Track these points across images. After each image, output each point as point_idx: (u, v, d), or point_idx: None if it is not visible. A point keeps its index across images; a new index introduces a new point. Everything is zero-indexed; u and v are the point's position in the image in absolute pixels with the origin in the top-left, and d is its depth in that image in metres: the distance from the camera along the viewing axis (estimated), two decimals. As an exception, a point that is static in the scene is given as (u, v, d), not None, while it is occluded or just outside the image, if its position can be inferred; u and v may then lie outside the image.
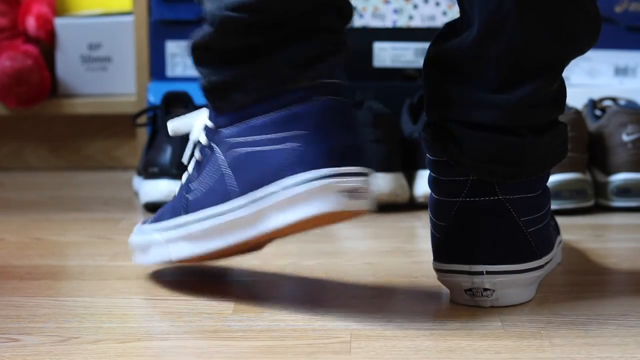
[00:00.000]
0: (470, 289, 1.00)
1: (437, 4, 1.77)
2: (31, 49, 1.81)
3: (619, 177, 1.49)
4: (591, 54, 1.75)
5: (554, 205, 1.45)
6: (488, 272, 0.99)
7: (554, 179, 1.46)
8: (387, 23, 1.77)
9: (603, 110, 1.56)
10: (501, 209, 0.99)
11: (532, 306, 1.01)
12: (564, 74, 1.03)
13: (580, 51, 1.04)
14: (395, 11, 1.77)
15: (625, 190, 1.48)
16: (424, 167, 1.49)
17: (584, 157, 1.48)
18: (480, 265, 0.99)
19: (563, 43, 1.00)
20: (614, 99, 1.58)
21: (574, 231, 1.35)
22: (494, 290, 0.99)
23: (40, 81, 1.80)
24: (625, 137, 1.50)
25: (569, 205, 1.46)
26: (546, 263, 1.04)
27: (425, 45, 1.77)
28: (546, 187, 1.04)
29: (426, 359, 0.88)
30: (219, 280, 1.11)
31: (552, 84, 1.01)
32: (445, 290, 1.04)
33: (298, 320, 0.98)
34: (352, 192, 0.96)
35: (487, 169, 0.99)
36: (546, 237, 1.04)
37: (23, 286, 1.10)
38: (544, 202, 1.03)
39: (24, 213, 1.50)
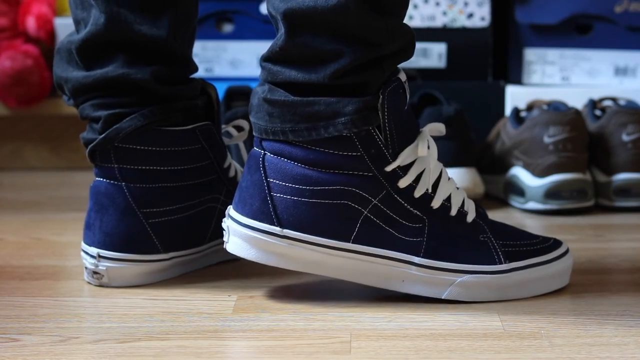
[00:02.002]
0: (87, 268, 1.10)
1: (437, 4, 1.77)
2: (31, 49, 1.81)
3: (620, 177, 1.49)
4: (591, 54, 1.75)
5: (554, 206, 1.45)
6: (101, 256, 1.08)
7: (554, 179, 1.46)
8: (387, 23, 1.77)
9: (603, 110, 1.56)
10: (121, 197, 1.07)
11: (532, 306, 1.01)
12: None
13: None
14: (395, 11, 1.77)
15: (625, 190, 1.48)
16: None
17: (584, 157, 1.48)
18: (94, 248, 1.09)
19: None
20: (614, 99, 1.58)
21: (574, 231, 1.35)
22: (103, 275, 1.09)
23: (40, 81, 1.80)
24: (625, 137, 1.50)
25: (569, 205, 1.46)
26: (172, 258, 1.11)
27: (425, 45, 1.78)
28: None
29: (426, 359, 0.88)
30: (219, 280, 1.11)
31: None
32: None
33: (298, 320, 0.98)
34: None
35: None
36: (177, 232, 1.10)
37: (23, 286, 1.10)
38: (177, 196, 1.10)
39: (23, 213, 1.50)
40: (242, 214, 1.02)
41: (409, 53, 1.02)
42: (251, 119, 1.03)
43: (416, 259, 1.01)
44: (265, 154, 1.01)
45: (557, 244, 1.07)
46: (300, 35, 0.98)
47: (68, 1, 1.11)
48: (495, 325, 0.96)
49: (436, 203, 1.02)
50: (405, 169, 1.01)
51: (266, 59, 1.01)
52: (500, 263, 1.03)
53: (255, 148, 1.03)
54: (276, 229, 1.01)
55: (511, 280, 1.03)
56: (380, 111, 0.99)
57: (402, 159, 1.01)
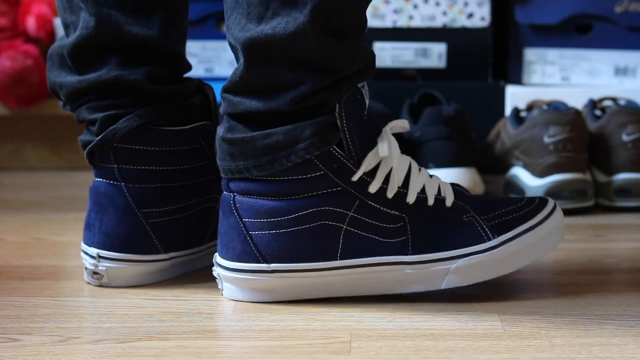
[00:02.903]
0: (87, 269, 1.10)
1: (437, 4, 1.77)
2: (31, 49, 1.81)
3: (620, 177, 1.49)
4: (591, 54, 1.75)
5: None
6: (100, 256, 1.08)
7: (554, 179, 1.46)
8: (387, 23, 1.77)
9: (603, 110, 1.56)
10: (120, 197, 1.07)
11: (532, 306, 1.01)
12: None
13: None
14: (395, 11, 1.77)
15: (625, 190, 1.48)
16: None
17: (584, 157, 1.48)
18: (94, 249, 1.09)
19: None
20: (614, 99, 1.58)
21: (574, 231, 1.35)
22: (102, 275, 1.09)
23: (40, 81, 1.80)
24: (625, 137, 1.50)
25: (569, 205, 1.46)
26: (172, 258, 1.10)
27: (425, 45, 1.78)
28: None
29: (426, 359, 0.88)
30: (219, 280, 1.11)
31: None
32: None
33: (298, 320, 0.98)
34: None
35: None
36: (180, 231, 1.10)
37: (23, 286, 1.10)
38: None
39: (23, 213, 1.50)
40: (227, 259, 1.03)
41: (369, 73, 1.02)
42: (217, 160, 1.04)
43: (406, 258, 1.02)
44: (234, 196, 1.02)
45: (543, 202, 1.06)
46: (259, 65, 0.98)
47: (56, 4, 1.11)
48: (495, 325, 0.96)
49: (411, 198, 1.02)
50: (371, 174, 1.01)
51: (226, 89, 1.01)
52: (489, 239, 1.02)
53: (224, 192, 1.03)
54: (263, 266, 1.01)
55: (505, 253, 1.02)
56: (339, 120, 0.99)
57: (365, 165, 1.01)
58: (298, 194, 1.00)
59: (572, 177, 1.46)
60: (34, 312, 1.01)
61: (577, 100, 1.66)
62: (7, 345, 0.92)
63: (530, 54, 1.78)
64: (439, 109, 1.52)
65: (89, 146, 1.08)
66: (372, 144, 1.01)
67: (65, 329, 0.96)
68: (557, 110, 1.49)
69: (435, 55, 1.78)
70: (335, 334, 0.94)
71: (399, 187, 1.02)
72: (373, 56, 1.02)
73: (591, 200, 1.48)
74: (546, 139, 1.47)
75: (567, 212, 1.46)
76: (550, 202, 1.07)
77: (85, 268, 1.10)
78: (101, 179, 1.09)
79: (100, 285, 1.09)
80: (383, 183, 1.01)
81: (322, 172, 1.00)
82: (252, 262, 1.01)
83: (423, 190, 1.03)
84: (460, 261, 1.02)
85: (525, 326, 0.96)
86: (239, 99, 1.00)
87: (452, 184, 1.06)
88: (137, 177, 1.08)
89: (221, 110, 1.02)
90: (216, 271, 1.05)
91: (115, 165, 1.07)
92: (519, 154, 1.51)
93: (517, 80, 1.79)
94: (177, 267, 1.12)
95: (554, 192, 1.46)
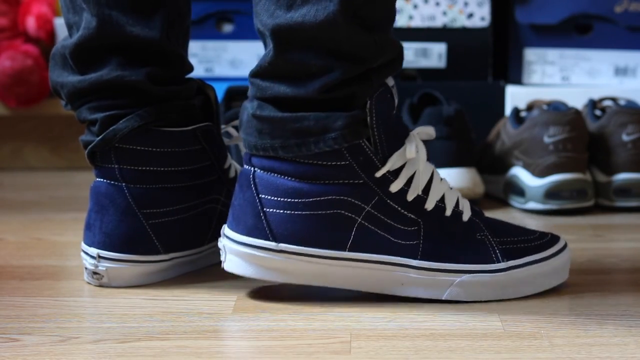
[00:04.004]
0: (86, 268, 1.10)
1: (437, 4, 1.77)
2: (31, 49, 1.81)
3: (620, 177, 1.49)
4: (591, 54, 1.75)
5: (554, 206, 1.45)
6: (100, 257, 1.08)
7: (554, 179, 1.46)
8: (387, 23, 1.77)
9: (603, 110, 1.56)
10: (121, 198, 1.07)
11: (532, 306, 1.01)
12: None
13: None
14: (395, 11, 1.77)
15: (625, 190, 1.48)
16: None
17: (584, 157, 1.48)
18: (94, 249, 1.09)
19: None
20: (614, 99, 1.58)
21: (574, 231, 1.35)
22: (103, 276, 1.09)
23: (40, 81, 1.80)
24: (625, 137, 1.50)
25: (569, 205, 1.46)
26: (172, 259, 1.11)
27: (425, 45, 1.78)
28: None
29: (426, 359, 0.88)
30: (219, 280, 1.11)
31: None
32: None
33: (298, 320, 0.98)
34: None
35: None
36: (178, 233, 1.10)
37: (23, 286, 1.10)
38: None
39: (23, 213, 1.50)
40: (236, 232, 1.02)
41: (397, 65, 1.02)
42: (241, 134, 1.03)
43: (414, 262, 1.02)
44: (255, 170, 1.02)
45: (554, 239, 1.07)
46: (289, 51, 0.98)
47: (60, 5, 1.11)
48: (495, 325, 0.96)
49: (430, 205, 1.02)
50: (395, 174, 1.01)
51: (254, 74, 1.01)
52: (499, 261, 1.03)
53: (245, 166, 1.03)
54: (271, 244, 1.01)
55: (510, 278, 1.03)
56: (368, 117, 0.99)
57: (391, 164, 1.01)
58: (320, 179, 1.00)
59: (572, 177, 1.46)
60: (34, 312, 1.01)
61: (577, 100, 1.66)
62: (7, 345, 0.92)
63: (530, 54, 1.78)
64: (439, 109, 1.52)
65: (90, 146, 1.08)
66: (398, 144, 1.01)
67: (65, 329, 0.96)
68: (557, 110, 1.49)
69: (435, 55, 1.78)
70: (335, 334, 0.94)
71: (419, 192, 1.02)
72: (401, 48, 1.02)
73: (591, 200, 1.48)
74: (546, 139, 1.47)
75: (567, 212, 1.46)
76: (562, 240, 1.08)
77: (85, 268, 1.10)
78: (102, 179, 1.09)
79: (100, 286, 1.09)
80: (405, 185, 1.02)
81: (347, 162, 1.00)
82: (261, 239, 1.01)
83: (442, 200, 1.03)
84: (465, 276, 1.02)
85: (525, 326, 0.96)
86: (268, 83, 1.00)
87: (471, 204, 1.06)
88: (138, 178, 1.08)
89: (249, 94, 1.02)
90: (222, 242, 1.04)
91: (116, 166, 1.07)
92: (519, 154, 1.51)
93: (517, 80, 1.79)
94: (178, 268, 1.12)
95: (554, 192, 1.46)
